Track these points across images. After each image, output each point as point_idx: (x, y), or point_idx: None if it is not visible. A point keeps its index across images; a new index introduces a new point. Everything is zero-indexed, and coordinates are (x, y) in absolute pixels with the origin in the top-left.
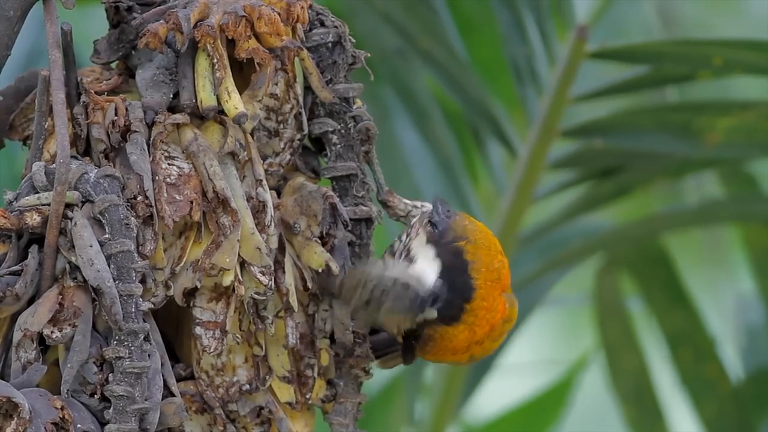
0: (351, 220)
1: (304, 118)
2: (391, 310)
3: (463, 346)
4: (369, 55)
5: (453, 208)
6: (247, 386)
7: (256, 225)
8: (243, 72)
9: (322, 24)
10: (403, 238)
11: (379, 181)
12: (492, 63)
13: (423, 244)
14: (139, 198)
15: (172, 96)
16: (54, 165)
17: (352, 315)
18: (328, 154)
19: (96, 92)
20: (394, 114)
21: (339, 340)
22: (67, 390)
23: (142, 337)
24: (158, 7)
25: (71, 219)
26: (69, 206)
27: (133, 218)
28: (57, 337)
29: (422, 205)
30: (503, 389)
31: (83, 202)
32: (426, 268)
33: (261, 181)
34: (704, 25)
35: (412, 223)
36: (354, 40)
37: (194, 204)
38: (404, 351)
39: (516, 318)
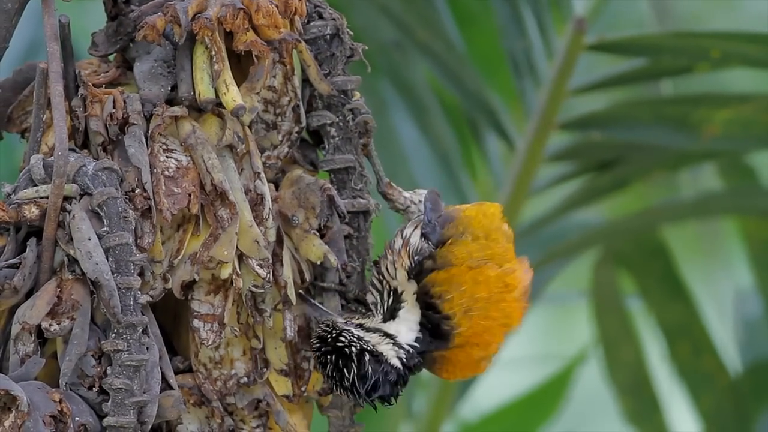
0: (349, 212)
1: (302, 111)
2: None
3: (477, 356)
4: (367, 47)
5: (443, 205)
6: (245, 379)
7: (254, 218)
8: (241, 64)
9: (320, 16)
10: (396, 244)
11: (379, 173)
12: (490, 56)
13: (405, 281)
14: (138, 191)
15: (170, 88)
16: (52, 158)
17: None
18: (327, 146)
19: (94, 85)
20: (392, 107)
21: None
22: (66, 383)
23: (141, 330)
24: (156, 0)
25: (69, 212)
26: (67, 199)
27: (131, 211)
28: (55, 329)
29: (420, 201)
30: (500, 383)
31: (81, 195)
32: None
33: (259, 173)
34: (699, 19)
35: (405, 233)
36: (352, 33)
37: (192, 197)
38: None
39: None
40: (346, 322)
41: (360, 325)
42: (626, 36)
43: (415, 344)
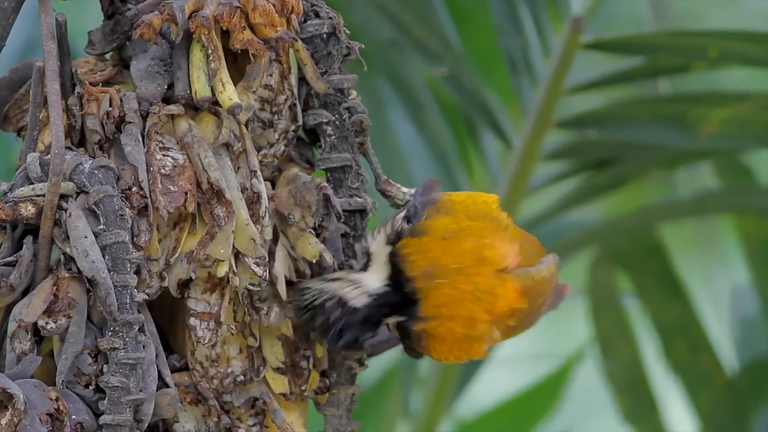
0: (345, 211)
1: (299, 109)
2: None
3: (460, 333)
4: (363, 46)
5: (436, 192)
6: (242, 377)
7: (250, 216)
8: (237, 63)
9: (317, 15)
10: (384, 228)
11: (377, 170)
12: (487, 54)
13: (383, 246)
14: (134, 189)
15: (166, 87)
16: (49, 156)
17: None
18: (323, 145)
19: (90, 83)
20: (389, 105)
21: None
22: (62, 381)
23: (137, 328)
24: None
25: (66, 210)
26: (64, 197)
27: (127, 209)
28: (52, 328)
29: None
30: (497, 381)
31: (78, 193)
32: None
33: (255, 172)
34: (697, 17)
35: (395, 218)
36: (348, 31)
37: (189, 195)
38: (406, 350)
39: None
40: (312, 280)
41: (323, 278)
42: (623, 34)
43: (385, 289)
